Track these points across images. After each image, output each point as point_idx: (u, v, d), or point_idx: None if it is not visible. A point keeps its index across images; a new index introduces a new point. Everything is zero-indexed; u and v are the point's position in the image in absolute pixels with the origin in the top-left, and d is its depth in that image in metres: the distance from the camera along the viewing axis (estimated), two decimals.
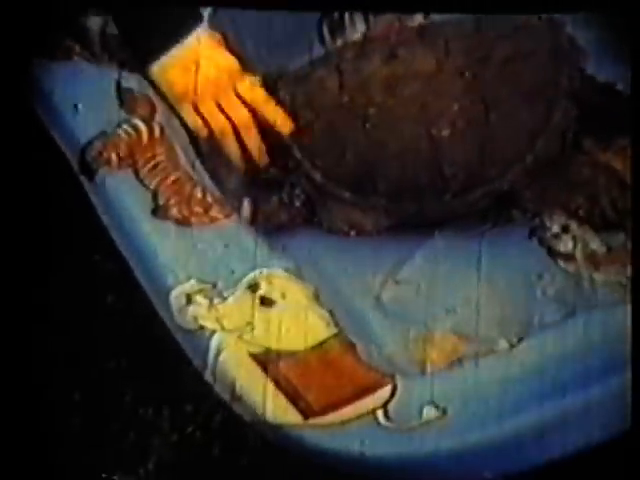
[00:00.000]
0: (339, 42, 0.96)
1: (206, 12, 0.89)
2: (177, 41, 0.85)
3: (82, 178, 0.84)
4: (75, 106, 0.86)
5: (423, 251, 0.88)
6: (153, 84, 0.86)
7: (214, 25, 0.89)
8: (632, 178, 0.84)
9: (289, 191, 0.88)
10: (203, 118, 0.87)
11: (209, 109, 0.86)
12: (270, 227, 0.87)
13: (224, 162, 0.89)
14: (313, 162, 0.86)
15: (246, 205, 0.87)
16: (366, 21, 0.97)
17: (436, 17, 0.94)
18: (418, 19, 0.96)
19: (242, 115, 0.87)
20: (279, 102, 0.88)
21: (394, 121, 0.85)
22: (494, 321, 0.83)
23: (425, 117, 0.85)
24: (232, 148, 0.88)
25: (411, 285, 0.86)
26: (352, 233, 0.87)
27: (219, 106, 0.87)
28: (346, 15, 0.97)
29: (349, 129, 0.86)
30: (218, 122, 0.87)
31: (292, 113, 0.88)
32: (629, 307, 0.75)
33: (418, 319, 0.84)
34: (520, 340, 0.78)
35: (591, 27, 0.92)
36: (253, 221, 0.86)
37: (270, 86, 0.90)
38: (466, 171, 0.85)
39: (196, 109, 0.86)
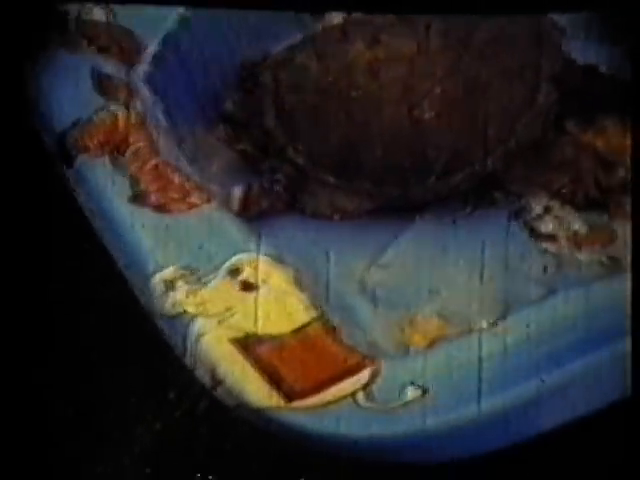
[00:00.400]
0: (319, 25, 0.96)
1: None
2: None
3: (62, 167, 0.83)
4: (52, 93, 0.85)
5: (406, 235, 0.88)
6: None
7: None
8: (632, 166, 0.84)
9: (269, 176, 0.87)
10: None
11: None
12: (251, 213, 0.86)
13: (205, 147, 0.89)
14: (296, 146, 0.86)
15: (236, 192, 0.87)
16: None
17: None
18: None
19: None
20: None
21: (377, 104, 0.85)
22: (477, 302, 0.83)
23: (408, 100, 0.85)
24: None
25: (394, 269, 0.86)
26: (336, 217, 0.87)
27: None
28: None
29: (332, 113, 0.86)
30: None
31: (274, 97, 0.87)
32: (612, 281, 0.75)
33: (401, 302, 0.84)
34: (501, 319, 0.78)
35: (591, 27, 0.91)
36: (242, 209, 0.86)
37: (251, 71, 0.90)
38: (449, 154, 0.85)
39: None
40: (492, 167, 0.86)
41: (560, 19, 0.89)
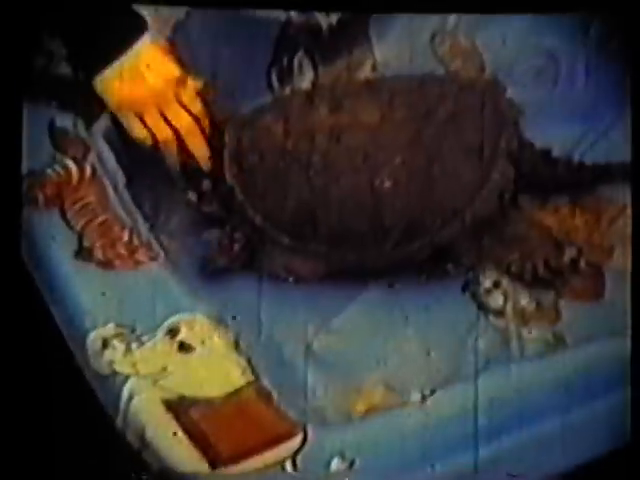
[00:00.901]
0: (287, 90, 0.97)
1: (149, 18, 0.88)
2: (120, 52, 0.85)
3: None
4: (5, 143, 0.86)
5: (358, 301, 0.88)
6: (99, 97, 0.86)
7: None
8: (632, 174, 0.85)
9: (229, 233, 0.88)
10: (147, 128, 0.87)
11: (153, 118, 0.87)
12: (208, 270, 0.87)
13: (165, 201, 0.90)
14: (255, 206, 0.87)
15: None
16: (315, 69, 0.98)
17: (383, 71, 0.95)
18: (366, 71, 0.97)
19: (186, 123, 0.88)
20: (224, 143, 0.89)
21: (337, 170, 0.86)
22: (420, 373, 0.83)
23: (368, 168, 0.86)
24: (174, 158, 0.89)
25: (343, 335, 0.86)
26: (290, 279, 0.87)
27: (163, 115, 0.88)
28: (295, 63, 0.98)
29: (292, 175, 0.87)
30: (162, 131, 0.88)
31: (237, 156, 0.88)
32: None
33: (348, 370, 0.84)
34: (432, 392, 0.78)
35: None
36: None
37: (218, 129, 0.91)
38: (406, 223, 0.86)
39: (141, 119, 0.87)
40: (447, 239, 0.87)
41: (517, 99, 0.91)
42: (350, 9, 0.94)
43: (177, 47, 0.91)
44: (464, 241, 0.87)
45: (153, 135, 0.89)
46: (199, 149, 0.90)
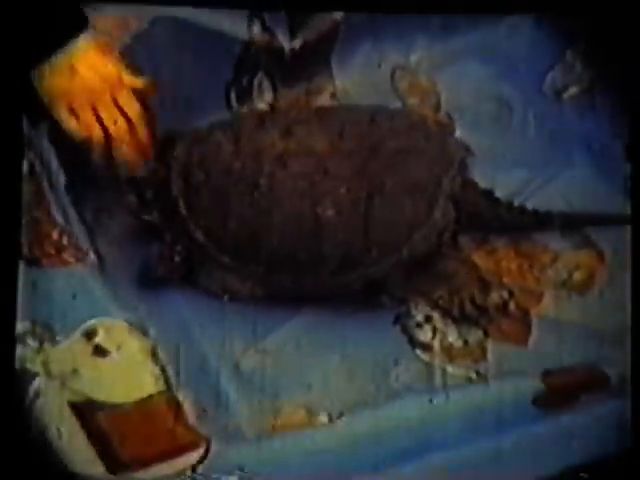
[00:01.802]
0: (244, 109, 0.98)
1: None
2: (59, 47, 0.85)
3: None
4: None
5: (290, 324, 0.89)
6: (35, 90, 0.86)
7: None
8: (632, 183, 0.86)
9: (170, 245, 0.88)
10: (79, 124, 0.87)
11: (86, 115, 0.87)
12: (145, 279, 0.87)
13: (106, 205, 0.90)
14: (197, 221, 0.87)
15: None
16: (274, 92, 0.99)
17: (342, 100, 0.96)
18: (325, 98, 0.98)
19: (118, 126, 0.89)
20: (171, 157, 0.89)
21: (282, 194, 0.87)
22: (339, 399, 0.83)
23: (312, 194, 0.87)
24: (100, 157, 0.89)
25: (272, 356, 0.86)
26: (226, 297, 0.87)
27: (96, 114, 0.88)
28: (255, 83, 0.99)
29: (238, 195, 0.87)
30: (93, 129, 0.88)
31: (185, 170, 0.89)
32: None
33: (271, 390, 0.84)
34: (340, 416, 0.79)
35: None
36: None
37: (168, 141, 0.91)
38: (344, 253, 0.86)
39: (73, 113, 0.87)
40: (382, 272, 0.87)
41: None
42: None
43: (124, 49, 0.90)
44: (398, 275, 0.88)
45: (85, 131, 0.88)
46: (131, 154, 0.90)
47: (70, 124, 0.87)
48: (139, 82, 0.89)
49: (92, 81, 0.86)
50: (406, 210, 0.87)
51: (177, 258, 0.88)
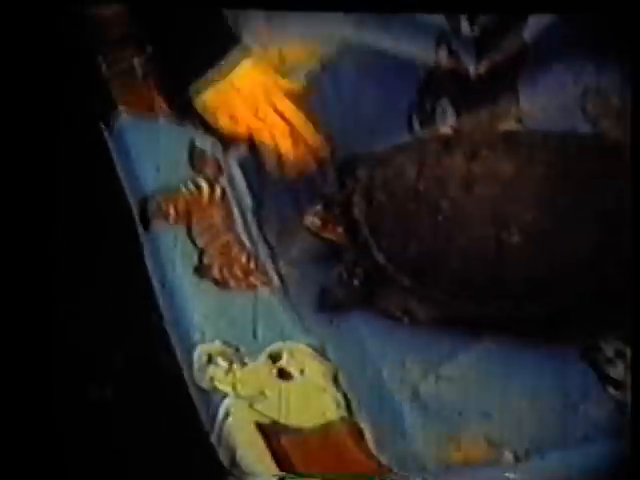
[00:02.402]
0: (427, 132, 0.98)
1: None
2: (213, 64, 0.89)
3: (139, 226, 0.88)
4: (146, 157, 0.91)
5: (471, 351, 0.87)
6: (193, 109, 0.90)
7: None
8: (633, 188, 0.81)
9: (350, 267, 0.89)
10: (243, 130, 0.90)
11: (248, 122, 0.90)
12: (325, 302, 0.88)
13: (289, 228, 0.92)
14: (379, 243, 0.87)
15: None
16: (457, 117, 0.98)
17: (528, 124, 0.94)
18: (510, 123, 0.96)
19: (281, 130, 0.91)
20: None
21: (465, 218, 0.86)
22: (526, 434, 0.81)
23: (497, 220, 0.85)
24: (270, 162, 0.91)
25: (452, 383, 0.85)
26: (405, 319, 0.87)
27: (258, 120, 0.91)
28: (438, 108, 0.98)
29: (420, 218, 0.87)
30: (257, 133, 0.91)
31: (367, 192, 0.89)
32: None
33: (451, 419, 0.82)
34: (527, 455, 0.76)
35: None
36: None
37: (350, 163, 0.92)
38: (529, 281, 0.84)
39: (235, 122, 0.90)
40: (570, 303, 0.84)
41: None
42: None
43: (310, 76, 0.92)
44: (585, 306, 0.84)
45: (249, 136, 0.91)
46: (298, 154, 0.92)
47: (233, 131, 0.90)
48: (295, 85, 0.91)
49: (249, 91, 0.89)
50: (594, 239, 0.83)
51: (356, 281, 0.88)
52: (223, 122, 0.92)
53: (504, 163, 0.86)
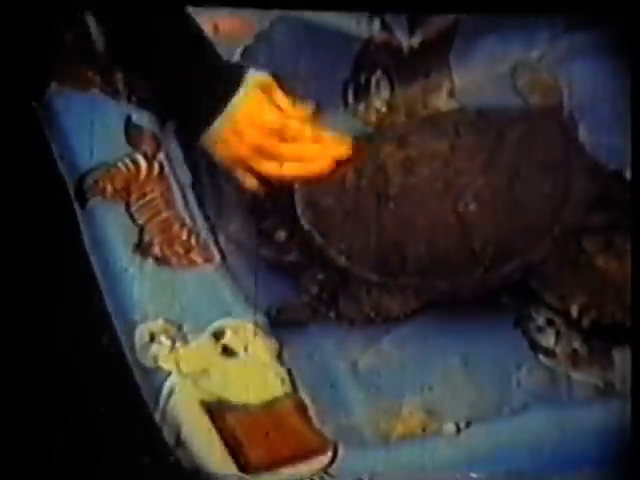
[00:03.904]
0: (361, 107, 0.97)
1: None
2: (223, 107, 0.86)
3: (75, 204, 0.86)
4: (82, 134, 0.88)
5: (409, 324, 0.87)
6: (205, 152, 0.87)
7: None
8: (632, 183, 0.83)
9: (306, 282, 0.86)
10: (260, 177, 0.88)
11: (265, 169, 0.87)
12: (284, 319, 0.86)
13: (225, 204, 0.90)
14: (336, 246, 0.85)
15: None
16: (391, 90, 0.98)
17: (460, 98, 0.95)
18: (442, 97, 0.97)
19: (297, 165, 0.88)
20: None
21: (418, 200, 0.85)
22: (462, 404, 0.82)
23: (448, 193, 0.85)
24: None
25: (391, 355, 0.85)
26: (378, 320, 0.85)
27: (274, 161, 0.87)
28: (373, 81, 0.98)
29: (371, 211, 0.85)
30: (275, 177, 0.88)
31: (310, 200, 0.87)
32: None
33: (391, 390, 0.83)
34: (468, 425, 0.77)
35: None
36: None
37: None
38: (496, 244, 0.83)
39: (250, 171, 0.87)
40: (541, 257, 0.83)
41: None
42: None
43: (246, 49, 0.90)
44: (554, 260, 0.84)
45: (267, 184, 0.88)
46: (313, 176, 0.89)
47: (250, 183, 0.88)
48: (305, 112, 0.89)
49: (258, 137, 0.87)
50: (547, 189, 0.84)
51: (315, 290, 0.86)
52: (241, 177, 0.89)
53: (435, 141, 0.86)
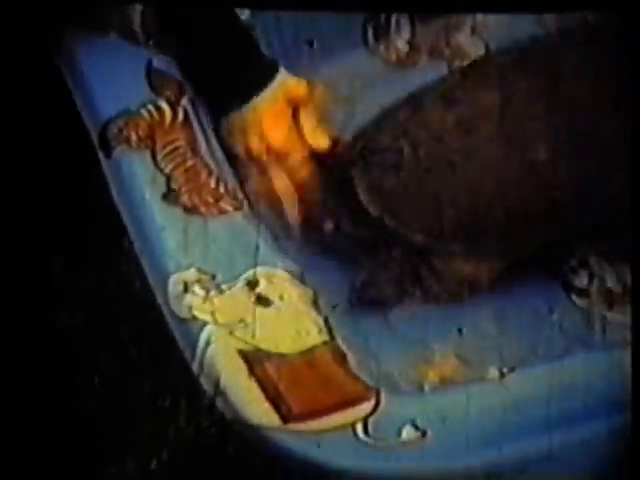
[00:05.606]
0: (381, 46, 0.94)
1: None
2: (240, 103, 0.84)
3: (100, 154, 0.84)
4: (103, 81, 0.86)
5: None
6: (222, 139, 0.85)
7: None
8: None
9: (388, 261, 0.83)
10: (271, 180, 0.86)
11: (276, 173, 0.85)
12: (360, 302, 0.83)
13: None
14: (410, 225, 0.81)
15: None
16: (412, 28, 0.95)
17: (482, 35, 0.92)
18: (465, 34, 0.94)
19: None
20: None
21: (483, 160, 0.81)
22: (496, 349, 0.81)
23: (513, 145, 0.80)
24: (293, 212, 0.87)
25: (422, 306, 0.83)
26: (465, 294, 0.82)
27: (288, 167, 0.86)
28: (392, 20, 0.95)
29: (438, 183, 0.81)
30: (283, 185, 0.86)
31: (371, 185, 0.83)
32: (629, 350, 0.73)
33: (422, 338, 0.82)
34: (512, 370, 0.76)
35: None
36: None
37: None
38: (575, 189, 0.79)
39: (264, 172, 0.85)
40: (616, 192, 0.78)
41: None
42: None
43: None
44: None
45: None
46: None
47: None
48: (325, 141, 0.86)
49: (283, 138, 0.85)
50: (613, 126, 0.78)
51: (387, 276, 0.83)
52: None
53: (485, 95, 0.82)
